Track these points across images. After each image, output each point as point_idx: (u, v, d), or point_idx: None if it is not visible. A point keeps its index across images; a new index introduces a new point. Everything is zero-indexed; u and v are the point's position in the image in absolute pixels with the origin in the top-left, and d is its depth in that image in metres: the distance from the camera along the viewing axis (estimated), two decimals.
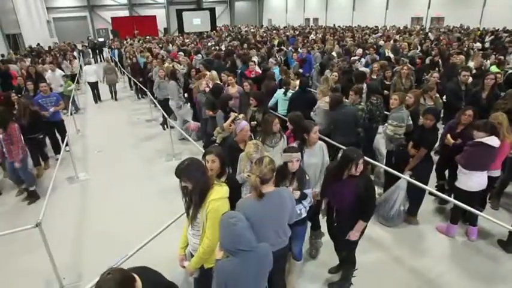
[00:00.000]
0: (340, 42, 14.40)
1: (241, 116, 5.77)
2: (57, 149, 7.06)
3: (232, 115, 5.61)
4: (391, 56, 10.17)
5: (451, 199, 3.99)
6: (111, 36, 33.92)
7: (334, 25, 30.31)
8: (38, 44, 21.81)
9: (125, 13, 39.75)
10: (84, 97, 13.30)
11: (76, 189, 6.04)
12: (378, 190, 5.26)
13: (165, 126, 8.49)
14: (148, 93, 9.71)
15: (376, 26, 25.41)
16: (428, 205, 4.98)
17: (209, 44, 17.61)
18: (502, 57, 8.82)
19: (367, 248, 4.13)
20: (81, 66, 15.89)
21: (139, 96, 12.60)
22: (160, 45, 18.06)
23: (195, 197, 2.57)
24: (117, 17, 37.32)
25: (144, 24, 36.16)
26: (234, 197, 3.25)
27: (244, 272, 2.24)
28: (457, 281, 3.72)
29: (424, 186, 4.06)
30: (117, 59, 16.75)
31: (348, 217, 3.25)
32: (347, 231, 3.27)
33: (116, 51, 17.92)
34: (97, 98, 12.42)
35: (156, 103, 8.57)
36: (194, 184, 2.53)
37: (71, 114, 8.65)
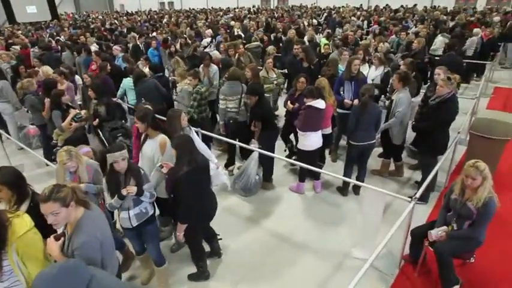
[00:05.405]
0: (192, 25, 14.32)
1: (83, 112, 5.19)
2: None
3: (72, 112, 5.01)
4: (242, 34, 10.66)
5: (295, 161, 4.45)
6: None
7: (189, 8, 30.06)
8: None
9: None
10: None
11: None
12: (238, 164, 5.52)
13: None
14: None
15: (228, 7, 26.26)
16: (280, 170, 5.47)
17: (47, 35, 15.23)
18: (329, 31, 10.21)
19: (227, 218, 4.33)
20: None
21: None
22: None
23: None
24: None
25: None
26: None
27: None
28: (309, 230, 4.19)
29: (271, 154, 4.38)
30: None
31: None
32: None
33: None
34: None
35: None
36: None
37: None
